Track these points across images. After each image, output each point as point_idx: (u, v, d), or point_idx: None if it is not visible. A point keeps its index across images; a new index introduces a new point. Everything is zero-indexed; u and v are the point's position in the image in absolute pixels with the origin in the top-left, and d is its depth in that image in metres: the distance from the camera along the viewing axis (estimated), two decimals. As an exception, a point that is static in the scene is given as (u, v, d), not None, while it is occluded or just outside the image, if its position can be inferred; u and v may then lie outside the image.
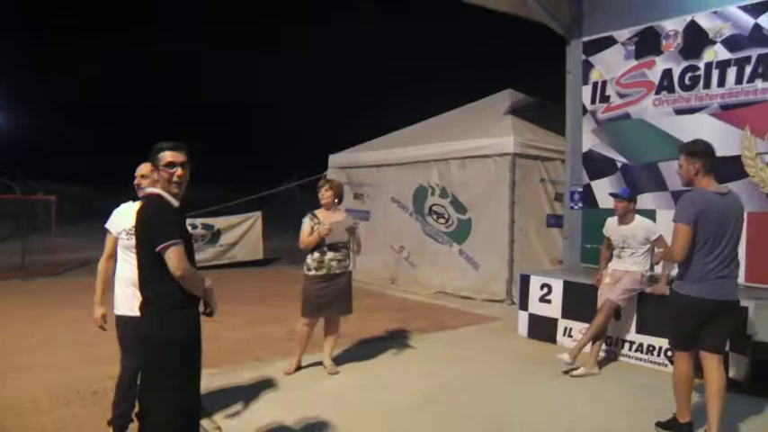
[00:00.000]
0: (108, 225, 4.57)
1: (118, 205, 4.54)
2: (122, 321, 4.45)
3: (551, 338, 7.33)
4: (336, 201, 6.22)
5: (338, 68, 43.07)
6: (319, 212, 6.17)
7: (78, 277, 12.17)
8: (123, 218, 4.36)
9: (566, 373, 6.12)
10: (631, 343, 6.56)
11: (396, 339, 7.45)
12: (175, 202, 3.37)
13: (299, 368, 6.21)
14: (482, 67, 33.68)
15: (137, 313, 3.67)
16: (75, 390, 5.59)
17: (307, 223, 6.11)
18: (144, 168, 4.42)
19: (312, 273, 6.08)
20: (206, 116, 42.08)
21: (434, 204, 11.00)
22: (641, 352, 6.47)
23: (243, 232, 14.24)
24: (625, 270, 6.37)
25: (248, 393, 5.43)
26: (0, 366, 6.26)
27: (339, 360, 6.44)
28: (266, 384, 5.73)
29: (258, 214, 14.48)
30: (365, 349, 7.00)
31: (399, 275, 11.56)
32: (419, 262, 11.26)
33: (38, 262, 12.83)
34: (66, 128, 39.33)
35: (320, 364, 6.27)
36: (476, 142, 10.35)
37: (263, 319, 8.46)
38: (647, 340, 6.42)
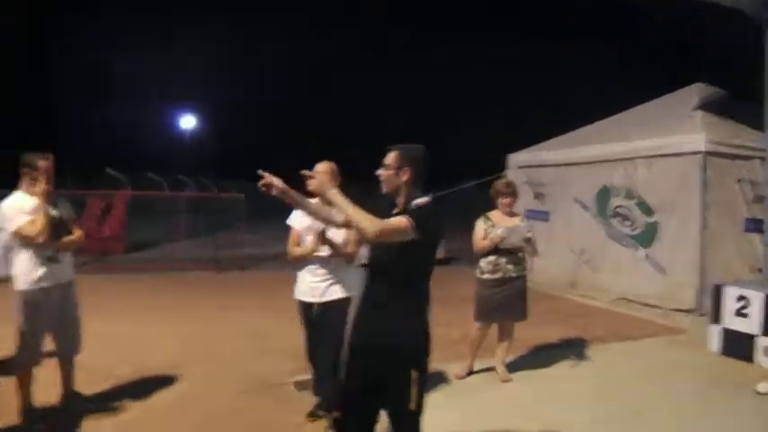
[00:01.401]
0: (290, 221, 5.02)
1: None
2: (300, 306, 4.99)
3: (747, 357, 6.68)
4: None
5: (520, 63, 42.24)
6: (493, 215, 6.06)
7: (264, 271, 12.90)
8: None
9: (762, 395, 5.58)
10: (844, 368, 5.83)
11: (572, 348, 7.15)
12: (397, 203, 3.49)
13: (470, 373, 6.15)
14: (669, 59, 31.59)
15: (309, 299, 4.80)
16: (254, 381, 5.91)
17: (480, 226, 6.03)
18: (320, 167, 4.71)
19: (486, 276, 5.98)
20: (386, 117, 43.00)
21: (619, 206, 10.46)
22: None
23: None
24: None
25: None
26: (186, 355, 6.76)
27: (512, 367, 6.29)
28: (436, 388, 5.69)
29: (437, 213, 14.49)
30: (539, 357, 6.79)
31: (579, 280, 11.11)
32: (601, 266, 10.75)
33: (228, 256, 13.74)
34: (255, 128, 41.80)
35: (493, 369, 6.18)
36: (663, 140, 9.69)
37: (436, 321, 8.37)
38: None
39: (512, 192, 6.09)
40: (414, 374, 3.34)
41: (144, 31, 39.98)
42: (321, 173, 4.58)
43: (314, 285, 4.90)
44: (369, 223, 3.16)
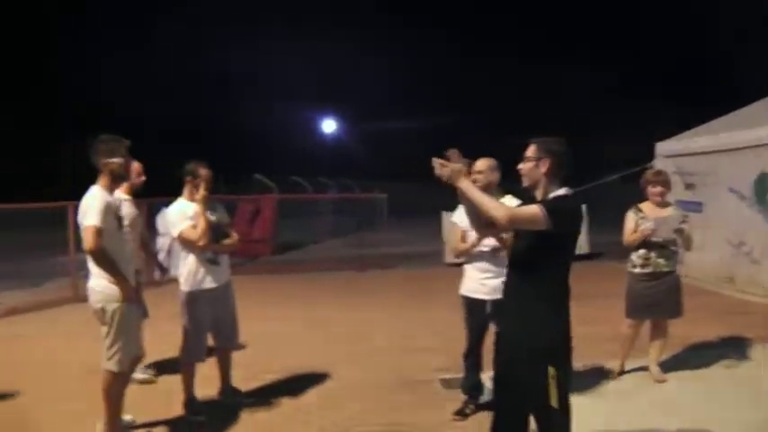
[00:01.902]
0: (455, 218, 5.05)
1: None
2: (468, 302, 5.04)
3: None
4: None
5: (665, 43, 39.99)
6: (644, 206, 5.82)
7: (407, 270, 13.06)
8: None
9: None
10: None
11: (731, 347, 6.72)
12: (536, 196, 3.49)
13: (622, 372, 5.95)
14: None
15: (481, 296, 4.82)
16: (400, 379, 6.00)
17: (630, 218, 5.82)
18: (480, 164, 4.77)
19: (637, 270, 5.77)
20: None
21: (780, 194, 9.75)
22: None
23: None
24: None
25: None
26: (332, 353, 6.95)
27: (666, 366, 6.02)
28: (586, 388, 5.53)
29: (582, 208, 14.08)
30: (696, 356, 6.43)
31: (737, 274, 10.43)
32: (762, 259, 10.05)
33: (372, 255, 14.00)
34: (394, 129, 42.28)
35: (645, 369, 5.93)
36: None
37: (582, 319, 8.11)
38: None
39: (662, 180, 5.82)
40: (552, 371, 3.30)
41: (284, 37, 41.41)
42: (480, 170, 4.65)
43: (485, 282, 4.90)
44: (500, 210, 3.21)
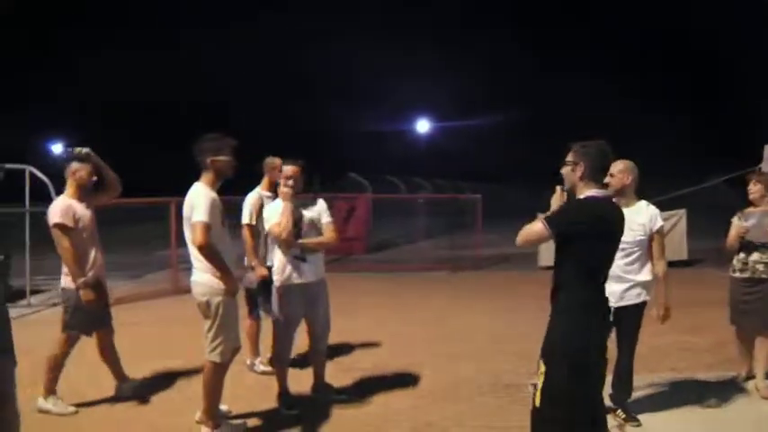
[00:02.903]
0: None
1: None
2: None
3: None
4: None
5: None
6: (749, 210, 5.57)
7: (499, 272, 12.98)
8: None
9: None
10: None
11: None
12: None
13: (748, 378, 5.73)
14: None
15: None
16: (490, 382, 5.96)
17: (735, 224, 5.59)
18: (614, 167, 4.60)
19: (736, 275, 5.58)
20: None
21: None
22: None
23: (665, 231, 13.44)
24: None
25: (663, 405, 5.18)
26: (423, 353, 6.95)
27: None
28: (684, 398, 5.34)
29: (682, 213, 13.60)
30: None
31: None
32: None
33: (465, 256, 13.94)
34: (489, 130, 41.97)
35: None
36: None
37: (681, 327, 7.81)
38: None
39: (764, 180, 5.53)
40: (542, 367, 3.49)
41: (377, 38, 41.70)
42: (612, 173, 4.51)
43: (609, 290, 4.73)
44: (518, 235, 3.53)
